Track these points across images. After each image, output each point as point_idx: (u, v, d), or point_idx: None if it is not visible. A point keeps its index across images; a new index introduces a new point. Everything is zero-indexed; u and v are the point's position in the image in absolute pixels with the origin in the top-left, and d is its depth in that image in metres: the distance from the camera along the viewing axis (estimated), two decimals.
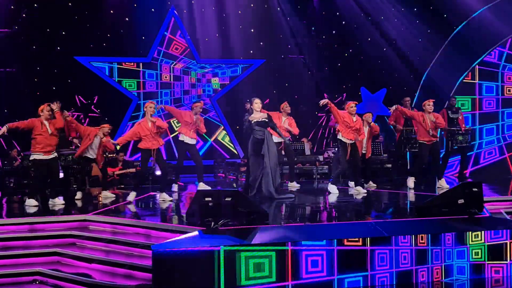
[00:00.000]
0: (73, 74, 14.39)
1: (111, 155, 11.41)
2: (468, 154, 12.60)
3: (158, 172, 12.76)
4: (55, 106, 8.88)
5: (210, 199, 6.10)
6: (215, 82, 15.66)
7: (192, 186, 11.37)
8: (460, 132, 11.34)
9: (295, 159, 11.36)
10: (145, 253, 6.33)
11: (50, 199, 8.82)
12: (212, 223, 6.00)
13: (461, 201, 6.80)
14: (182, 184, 10.53)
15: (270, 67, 15.72)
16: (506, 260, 6.45)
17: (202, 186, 10.05)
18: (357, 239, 5.95)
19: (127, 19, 14.67)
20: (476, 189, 6.91)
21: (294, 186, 10.36)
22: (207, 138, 15.37)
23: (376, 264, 6.02)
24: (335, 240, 5.84)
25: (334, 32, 15.88)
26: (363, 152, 10.10)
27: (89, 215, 7.62)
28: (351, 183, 10.04)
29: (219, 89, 15.75)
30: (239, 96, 15.22)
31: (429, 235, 6.24)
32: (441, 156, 10.88)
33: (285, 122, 10.27)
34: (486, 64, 13.41)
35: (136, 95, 15.08)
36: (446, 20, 14.36)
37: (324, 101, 9.16)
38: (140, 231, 6.99)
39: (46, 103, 8.73)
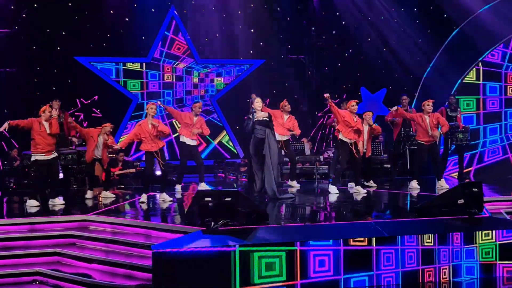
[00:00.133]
0: (73, 74, 14.39)
1: (111, 155, 11.41)
2: (466, 153, 12.68)
3: (158, 173, 12.78)
4: (55, 105, 8.89)
5: (210, 199, 6.10)
6: (219, 82, 15.66)
7: (194, 186, 11.37)
8: (461, 130, 11.38)
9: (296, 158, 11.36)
10: (145, 253, 6.33)
11: (50, 199, 8.83)
12: (212, 223, 6.00)
13: (461, 201, 6.81)
14: (183, 184, 10.52)
15: (270, 67, 15.72)
16: None
17: (203, 186, 10.06)
18: (362, 239, 6.02)
19: (127, 19, 14.66)
20: (476, 189, 6.91)
21: (294, 185, 10.36)
22: (211, 140, 15.38)
23: (382, 264, 6.09)
24: (341, 240, 5.93)
25: (334, 32, 15.87)
26: (364, 151, 10.09)
27: (89, 215, 7.63)
28: (351, 183, 10.04)
29: (221, 89, 15.76)
30: (239, 96, 15.23)
31: (436, 235, 6.27)
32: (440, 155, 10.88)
33: (287, 120, 10.26)
34: (489, 64, 13.46)
35: (136, 95, 15.07)
36: (446, 20, 14.36)
37: (326, 95, 9.16)
38: (140, 231, 7.00)
39: (46, 103, 8.75)
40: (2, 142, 13.69)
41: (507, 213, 7.92)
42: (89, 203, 9.18)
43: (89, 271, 6.43)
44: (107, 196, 9.80)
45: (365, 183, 10.21)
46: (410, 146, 11.03)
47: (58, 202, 8.80)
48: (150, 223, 7.08)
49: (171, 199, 9.06)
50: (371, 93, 15.94)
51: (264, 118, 8.68)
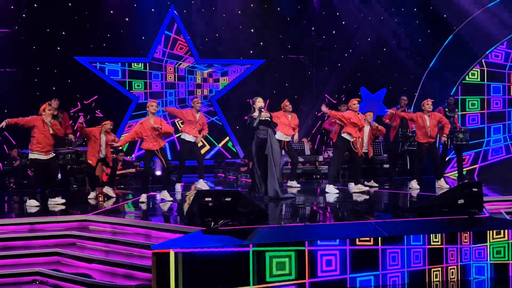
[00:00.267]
0: (73, 74, 14.39)
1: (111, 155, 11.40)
2: (471, 151, 12.79)
3: (158, 173, 12.78)
4: (54, 104, 8.87)
5: (210, 199, 6.10)
6: (224, 81, 15.66)
7: (195, 186, 11.35)
8: (461, 130, 11.41)
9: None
10: (145, 253, 6.33)
11: (50, 199, 8.82)
12: (212, 223, 6.00)
13: (461, 201, 6.81)
14: (183, 184, 10.52)
15: (270, 67, 15.72)
16: None
17: (202, 183, 10.04)
18: (368, 238, 6.10)
19: (127, 19, 14.66)
20: (476, 189, 6.91)
21: (294, 185, 10.37)
22: (215, 143, 15.38)
23: (388, 263, 6.15)
24: (348, 239, 6.01)
25: (334, 32, 15.87)
26: (365, 151, 10.06)
27: (89, 215, 7.62)
28: (351, 183, 10.03)
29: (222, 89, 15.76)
30: (239, 96, 15.23)
31: (444, 234, 6.30)
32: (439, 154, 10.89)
33: (292, 119, 10.27)
34: (493, 65, 13.52)
35: (136, 95, 15.08)
36: (446, 20, 14.37)
37: (324, 109, 9.19)
38: (140, 231, 7.00)
39: (46, 102, 8.72)
40: (4, 146, 13.68)
41: (507, 213, 7.92)
42: (91, 203, 9.17)
43: (89, 271, 6.43)
44: (108, 193, 9.78)
45: (366, 183, 10.20)
46: (408, 146, 11.02)
47: (58, 202, 8.79)
48: (150, 223, 7.08)
49: (171, 198, 9.06)
50: (371, 93, 15.95)
51: (266, 118, 8.72)
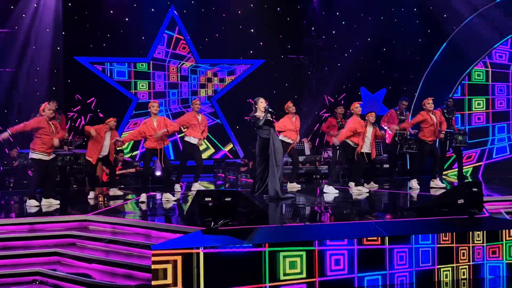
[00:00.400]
0: (73, 74, 14.39)
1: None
2: (474, 150, 12.89)
3: (158, 173, 12.77)
4: (52, 105, 8.85)
5: (210, 199, 6.10)
6: (230, 80, 15.67)
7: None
8: (460, 132, 11.43)
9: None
10: (145, 253, 6.33)
11: (44, 199, 8.75)
12: (212, 223, 6.00)
13: (461, 201, 6.80)
14: (182, 184, 10.51)
15: (270, 67, 15.72)
16: None
17: (196, 187, 10.05)
18: (375, 238, 6.14)
19: (127, 19, 14.66)
20: (476, 189, 6.91)
21: (294, 186, 10.36)
22: (221, 147, 15.38)
23: (395, 263, 6.19)
24: (355, 239, 6.07)
25: (334, 32, 15.87)
26: (368, 152, 10.02)
27: (89, 215, 7.62)
28: (351, 183, 10.03)
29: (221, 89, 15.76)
30: (239, 96, 15.23)
31: (454, 233, 6.33)
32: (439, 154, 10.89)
33: (296, 121, 10.27)
34: (496, 65, 13.58)
35: (137, 95, 15.07)
36: (446, 21, 14.36)
37: (336, 142, 9.49)
38: (140, 231, 6.99)
39: (44, 103, 8.72)
40: (5, 149, 13.68)
41: (507, 213, 7.92)
42: (91, 203, 9.17)
43: (89, 271, 6.43)
44: (116, 193, 9.80)
45: (365, 185, 10.17)
46: (407, 149, 10.96)
47: (52, 202, 8.74)
48: (150, 223, 7.07)
49: (174, 198, 9.05)
50: (371, 93, 15.94)
51: (268, 118, 8.74)
